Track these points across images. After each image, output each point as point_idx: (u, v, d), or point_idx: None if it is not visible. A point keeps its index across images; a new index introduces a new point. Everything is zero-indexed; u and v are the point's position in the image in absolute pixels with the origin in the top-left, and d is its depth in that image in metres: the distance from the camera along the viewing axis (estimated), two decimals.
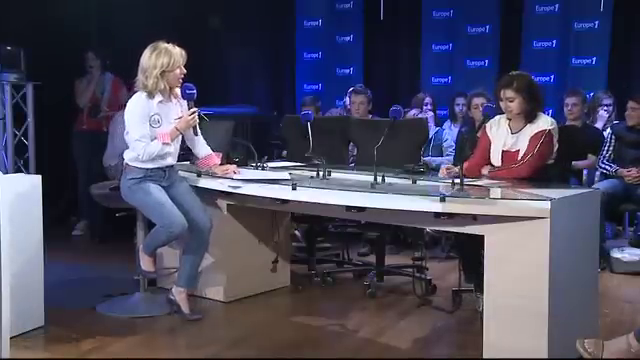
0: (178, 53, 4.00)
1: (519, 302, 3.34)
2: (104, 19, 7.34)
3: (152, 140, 3.98)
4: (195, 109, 4.09)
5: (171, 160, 4.14)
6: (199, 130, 4.21)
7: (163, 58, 3.95)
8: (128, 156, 4.08)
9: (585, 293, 3.68)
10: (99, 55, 6.54)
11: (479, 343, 3.51)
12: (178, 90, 4.08)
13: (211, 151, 4.31)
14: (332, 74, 8.38)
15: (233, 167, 4.32)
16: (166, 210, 4.00)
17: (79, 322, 4.11)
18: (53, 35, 6.70)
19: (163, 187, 4.10)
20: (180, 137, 4.15)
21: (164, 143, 4.00)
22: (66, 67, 6.61)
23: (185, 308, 4.19)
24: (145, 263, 4.19)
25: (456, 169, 3.89)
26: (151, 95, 3.98)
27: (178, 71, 4.01)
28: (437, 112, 6.87)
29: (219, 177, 4.31)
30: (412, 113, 6.40)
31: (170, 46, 3.99)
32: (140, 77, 3.99)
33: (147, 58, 3.97)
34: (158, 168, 4.08)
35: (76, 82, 6.59)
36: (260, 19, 8.37)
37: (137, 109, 3.99)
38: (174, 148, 4.13)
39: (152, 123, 4.00)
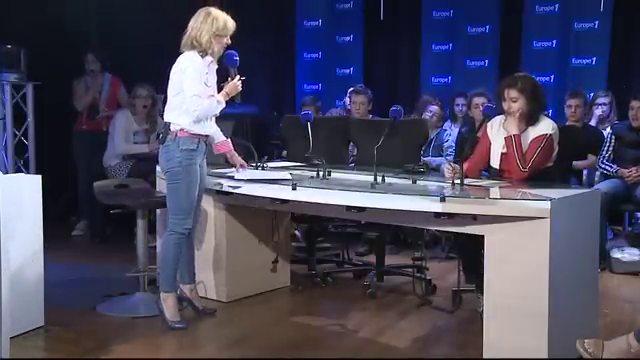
0: (231, 22, 4.02)
1: (519, 302, 3.34)
2: (104, 19, 7.34)
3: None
4: (239, 76, 4.10)
5: (215, 127, 4.14)
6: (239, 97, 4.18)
7: (219, 22, 3.96)
8: (180, 120, 3.95)
9: (585, 293, 3.68)
10: (99, 57, 6.53)
11: (479, 343, 3.51)
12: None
13: (223, 136, 4.28)
14: (332, 74, 8.37)
15: (243, 162, 4.33)
16: (188, 205, 4.00)
17: (79, 322, 4.11)
18: (53, 35, 6.70)
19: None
20: None
21: (218, 101, 3.98)
22: (66, 67, 6.60)
23: (198, 303, 4.24)
24: (169, 308, 4.01)
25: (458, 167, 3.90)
26: (203, 54, 3.96)
27: (225, 39, 4.01)
28: None
29: (219, 177, 4.31)
30: (432, 109, 6.36)
31: (224, 14, 4.02)
32: (192, 35, 3.95)
33: (202, 19, 3.96)
34: (204, 139, 4.04)
35: (74, 83, 6.57)
36: (260, 19, 8.36)
37: (197, 66, 3.93)
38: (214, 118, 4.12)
39: (206, 82, 3.96)
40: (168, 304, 4.03)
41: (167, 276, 4.05)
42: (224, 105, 4.04)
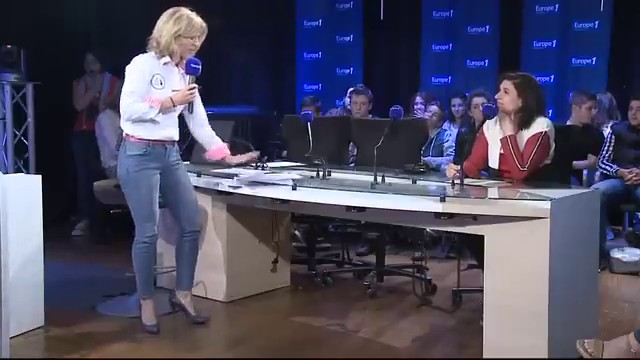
0: (198, 23, 3.83)
1: (519, 302, 3.34)
2: (104, 19, 7.34)
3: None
4: (195, 85, 3.88)
5: (172, 133, 3.90)
6: (195, 108, 3.96)
7: (182, 22, 3.78)
8: (124, 125, 3.84)
9: (585, 293, 3.68)
10: (99, 57, 6.53)
11: (479, 343, 3.52)
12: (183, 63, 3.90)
13: (220, 142, 4.14)
14: (332, 74, 8.39)
15: (252, 153, 4.22)
16: (147, 213, 3.84)
17: (79, 322, 4.11)
18: (53, 35, 6.70)
19: (161, 172, 3.88)
20: (176, 114, 3.94)
21: (151, 106, 3.74)
22: (65, 67, 6.61)
23: (192, 310, 4.17)
24: (146, 312, 3.97)
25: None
26: (160, 55, 3.81)
27: (191, 41, 3.83)
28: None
29: (219, 177, 4.30)
30: (432, 109, 6.36)
31: (192, 14, 3.83)
32: (154, 36, 3.82)
33: (166, 19, 3.81)
34: (160, 143, 3.84)
35: (73, 83, 6.58)
36: (260, 19, 8.37)
37: (139, 65, 3.80)
38: (172, 123, 3.90)
39: (154, 83, 3.80)
40: (144, 309, 3.99)
41: (140, 284, 3.98)
42: (157, 111, 3.76)
